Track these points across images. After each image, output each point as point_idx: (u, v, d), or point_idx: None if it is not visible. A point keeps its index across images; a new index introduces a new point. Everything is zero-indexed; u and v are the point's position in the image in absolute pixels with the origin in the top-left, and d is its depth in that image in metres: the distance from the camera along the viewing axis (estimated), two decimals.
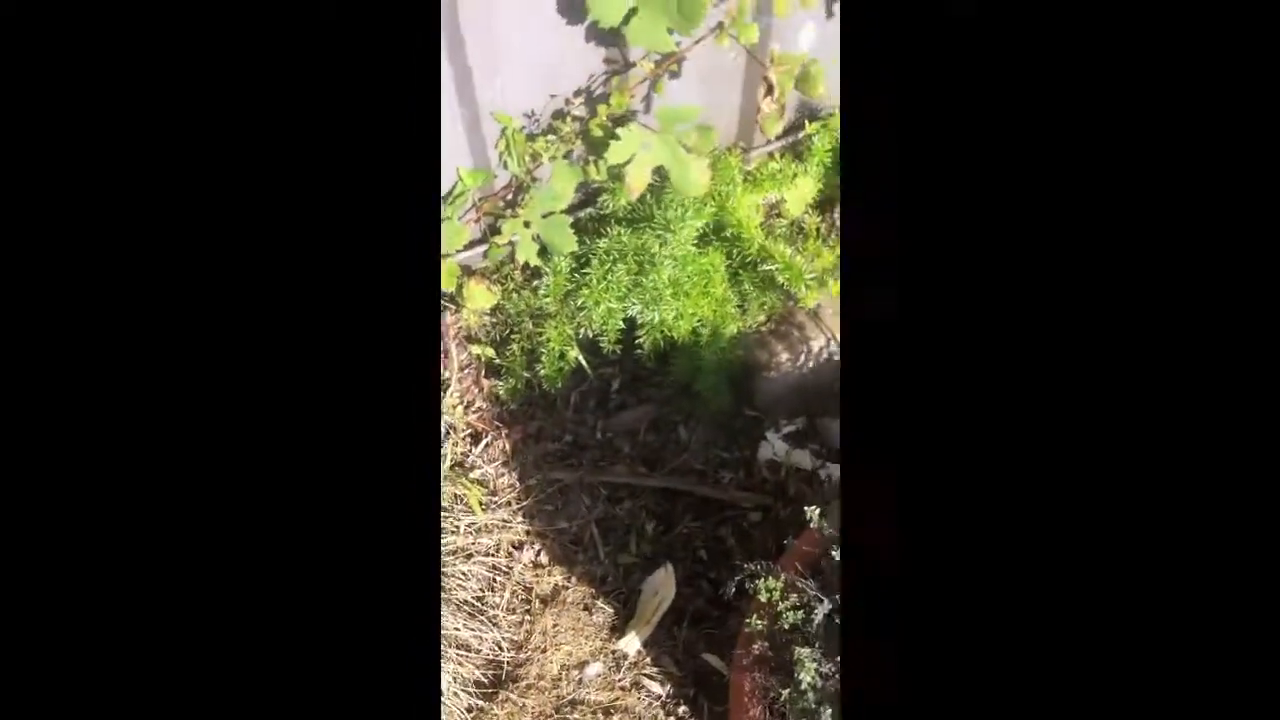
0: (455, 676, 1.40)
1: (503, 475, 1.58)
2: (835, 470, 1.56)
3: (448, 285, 1.47)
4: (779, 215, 1.63)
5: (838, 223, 1.64)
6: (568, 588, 1.51)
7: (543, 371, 1.54)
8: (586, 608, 1.50)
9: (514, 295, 1.60)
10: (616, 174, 1.42)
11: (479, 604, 1.47)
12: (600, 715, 1.42)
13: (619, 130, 1.34)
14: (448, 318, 1.61)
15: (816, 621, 1.08)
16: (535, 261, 1.47)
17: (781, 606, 1.12)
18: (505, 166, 1.45)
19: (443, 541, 1.45)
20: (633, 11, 1.23)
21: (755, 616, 1.15)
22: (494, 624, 1.47)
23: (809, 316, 1.56)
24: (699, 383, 1.54)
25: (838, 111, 1.58)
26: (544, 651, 1.46)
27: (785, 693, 1.09)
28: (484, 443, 1.60)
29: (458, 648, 1.42)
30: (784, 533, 1.48)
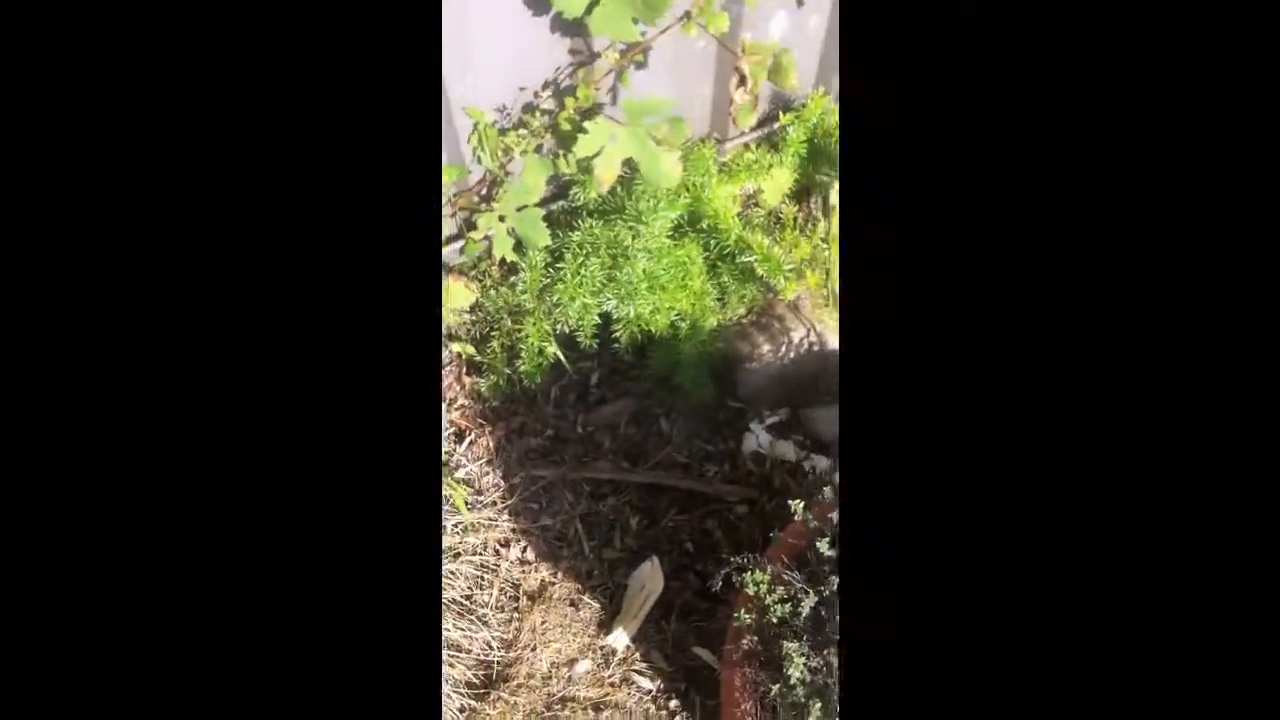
0: (447, 678, 1.39)
1: (487, 474, 1.58)
2: (820, 462, 1.56)
3: None
4: (756, 205, 1.62)
5: (815, 212, 1.64)
6: (554, 584, 1.51)
7: (523, 367, 1.54)
8: (573, 604, 1.50)
9: (492, 292, 1.60)
10: (586, 167, 1.41)
11: (468, 603, 1.47)
12: (591, 712, 1.42)
13: (586, 123, 1.33)
14: None
15: (804, 615, 1.08)
16: (511, 256, 1.46)
17: (769, 600, 1.12)
18: (479, 161, 1.45)
19: None
20: (595, 1, 1.22)
21: (743, 610, 1.15)
22: (484, 623, 1.46)
23: (789, 308, 1.56)
24: (679, 375, 1.54)
25: (810, 102, 1.58)
26: (533, 649, 1.46)
27: (775, 688, 1.08)
28: (468, 440, 1.59)
29: (449, 648, 1.42)
30: (770, 525, 1.48)
